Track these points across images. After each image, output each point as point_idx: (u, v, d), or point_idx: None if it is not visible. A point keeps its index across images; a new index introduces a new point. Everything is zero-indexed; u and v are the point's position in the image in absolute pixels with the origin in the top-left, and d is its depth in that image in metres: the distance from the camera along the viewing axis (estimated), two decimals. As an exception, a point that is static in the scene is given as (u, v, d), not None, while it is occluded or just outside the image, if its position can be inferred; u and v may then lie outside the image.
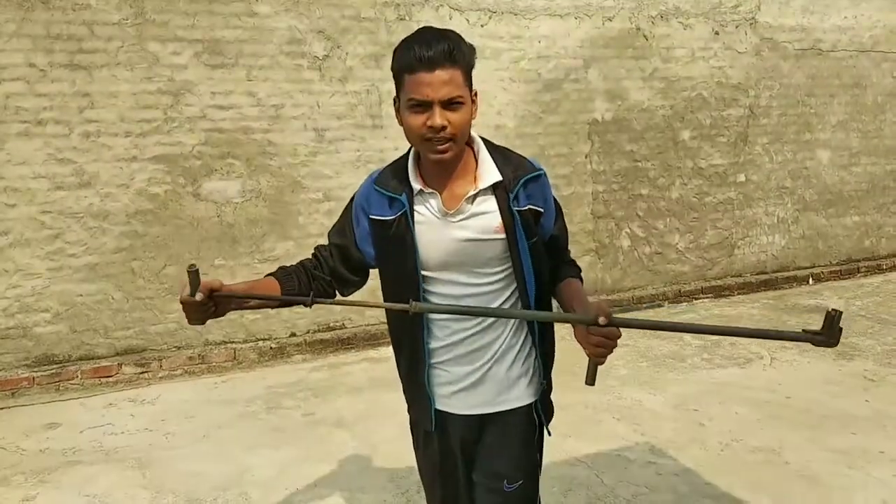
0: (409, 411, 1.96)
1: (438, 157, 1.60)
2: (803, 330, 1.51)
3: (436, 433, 1.85)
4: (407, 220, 1.69)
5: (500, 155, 1.73)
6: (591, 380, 1.59)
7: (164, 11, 4.71)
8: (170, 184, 4.86)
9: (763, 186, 6.95)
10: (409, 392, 1.90)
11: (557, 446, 3.65)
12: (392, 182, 1.72)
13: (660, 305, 6.43)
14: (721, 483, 3.27)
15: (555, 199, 1.83)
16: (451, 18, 5.46)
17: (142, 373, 4.83)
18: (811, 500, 3.13)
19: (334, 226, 1.86)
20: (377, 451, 3.68)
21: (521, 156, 1.77)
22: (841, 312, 1.45)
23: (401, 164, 1.75)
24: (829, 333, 1.47)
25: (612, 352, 1.53)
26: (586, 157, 6.16)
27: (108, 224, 4.75)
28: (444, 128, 1.55)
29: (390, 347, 1.94)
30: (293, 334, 5.29)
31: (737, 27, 6.56)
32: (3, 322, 4.62)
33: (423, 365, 1.79)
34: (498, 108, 5.74)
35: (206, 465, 3.59)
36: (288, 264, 1.85)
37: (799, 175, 7.12)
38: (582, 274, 1.92)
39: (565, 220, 1.91)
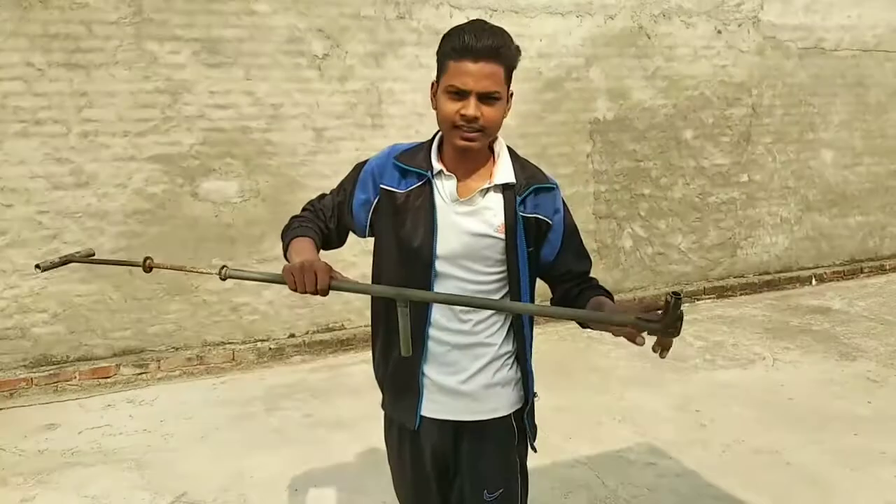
0: (385, 407, 1.92)
1: (464, 145, 1.62)
2: (637, 317, 1.37)
3: (413, 434, 1.81)
4: (430, 195, 1.69)
5: (518, 161, 1.76)
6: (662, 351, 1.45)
7: (162, 10, 4.68)
8: (168, 183, 4.84)
9: (766, 186, 6.92)
10: (394, 385, 1.84)
11: (558, 447, 3.63)
12: (414, 159, 1.73)
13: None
14: (723, 484, 3.25)
15: (569, 220, 1.81)
16: (451, 17, 5.44)
17: (140, 374, 4.81)
18: (813, 502, 3.11)
19: (337, 186, 1.86)
20: (377, 453, 3.65)
21: (539, 168, 1.79)
22: (679, 297, 1.27)
23: (424, 145, 1.77)
24: (665, 321, 1.30)
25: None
26: (588, 156, 6.13)
27: (105, 224, 4.73)
28: (475, 119, 1.58)
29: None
30: (292, 335, 5.27)
31: (739, 26, 6.52)
32: (1, 323, 4.60)
33: (419, 357, 1.73)
34: (498, 107, 5.70)
35: (204, 466, 3.57)
36: (299, 217, 1.84)
37: (802, 175, 7.08)
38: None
39: (582, 243, 1.86)
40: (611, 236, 6.30)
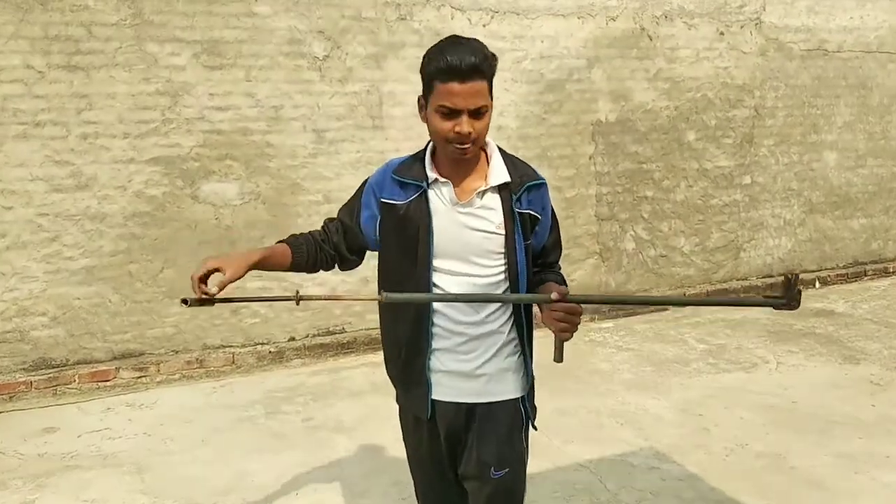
0: (398, 399, 2.07)
1: (460, 157, 1.78)
2: (764, 295, 1.61)
3: (429, 423, 1.95)
4: (426, 204, 1.84)
5: (510, 160, 1.90)
6: (559, 356, 1.74)
7: (162, 12, 4.68)
8: (168, 186, 4.82)
9: (769, 188, 6.90)
10: (403, 378, 1.98)
11: (560, 451, 3.61)
12: (410, 171, 1.88)
13: (664, 308, 6.38)
14: (726, 488, 3.24)
15: (552, 213, 1.99)
16: (452, 18, 5.43)
17: (140, 377, 4.80)
18: (819, 508, 3.09)
19: (345, 204, 2.03)
20: (377, 456, 3.65)
21: (527, 164, 1.94)
22: (797, 275, 1.56)
23: (418, 156, 1.91)
24: (788, 296, 1.55)
25: (575, 328, 1.69)
26: (590, 158, 6.11)
27: (105, 226, 4.72)
28: (469, 134, 1.71)
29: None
30: (292, 338, 5.25)
31: (742, 27, 6.51)
32: (0, 326, 4.58)
33: (425, 351, 1.89)
34: (500, 108, 5.69)
35: (204, 470, 3.56)
36: (298, 233, 2.02)
37: (805, 177, 7.06)
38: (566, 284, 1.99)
39: (561, 232, 2.06)
40: (613, 238, 6.28)
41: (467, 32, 5.48)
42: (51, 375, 4.63)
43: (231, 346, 5.09)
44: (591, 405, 4.22)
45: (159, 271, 4.86)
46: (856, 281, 7.26)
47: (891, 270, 7.48)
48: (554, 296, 1.65)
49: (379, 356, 5.46)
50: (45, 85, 4.50)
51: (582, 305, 1.71)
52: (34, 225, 4.57)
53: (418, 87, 6.02)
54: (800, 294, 1.55)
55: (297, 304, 1.75)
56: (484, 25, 5.54)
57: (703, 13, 6.34)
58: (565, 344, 1.74)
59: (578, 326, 1.71)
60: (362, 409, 4.28)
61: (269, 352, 5.13)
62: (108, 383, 4.73)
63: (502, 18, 5.60)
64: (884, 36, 7.18)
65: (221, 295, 1.70)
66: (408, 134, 5.37)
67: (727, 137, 6.62)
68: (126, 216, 4.75)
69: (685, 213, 6.56)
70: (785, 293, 1.55)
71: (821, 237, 7.22)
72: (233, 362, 5.02)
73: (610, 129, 6.14)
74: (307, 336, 5.30)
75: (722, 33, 6.44)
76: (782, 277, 1.55)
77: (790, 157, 6.95)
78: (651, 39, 6.17)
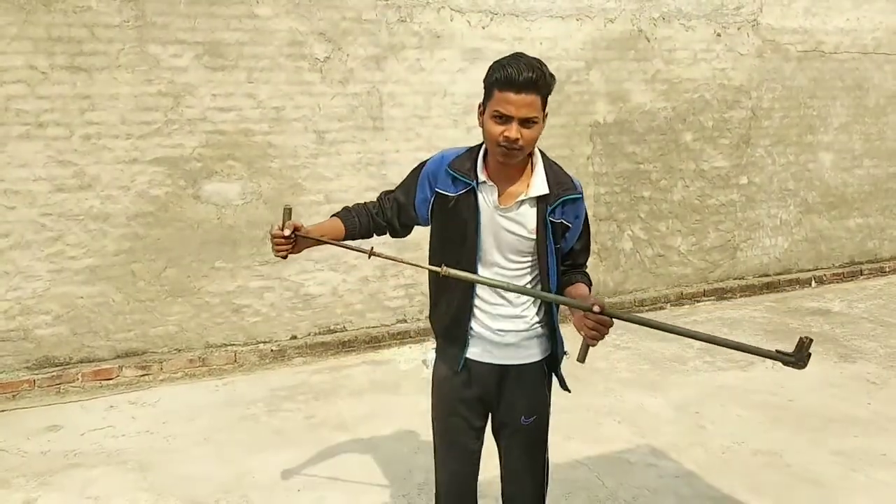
0: (437, 351, 2.31)
1: (505, 161, 1.98)
2: (777, 350, 1.73)
3: (459, 376, 2.20)
4: (474, 201, 2.07)
5: (553, 171, 2.12)
6: (582, 357, 1.91)
7: (164, 14, 4.71)
8: (170, 186, 4.86)
9: (765, 188, 6.94)
10: (445, 335, 2.23)
11: (559, 448, 3.64)
12: (463, 167, 2.09)
13: (661, 307, 6.42)
14: (722, 486, 3.27)
15: (586, 220, 2.20)
16: (452, 20, 5.46)
17: (142, 375, 4.83)
18: (813, 503, 3.12)
19: (401, 184, 2.25)
20: (378, 454, 3.68)
21: (568, 175, 2.16)
22: (811, 340, 1.69)
23: (473, 155, 2.12)
24: (798, 356, 1.69)
25: (603, 337, 1.89)
26: (588, 158, 6.15)
27: (108, 226, 4.75)
28: (517, 140, 1.90)
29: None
30: (294, 337, 5.29)
31: (739, 29, 6.55)
32: (4, 324, 4.61)
33: (468, 314, 2.14)
34: (499, 110, 5.72)
35: (206, 467, 3.59)
36: (352, 205, 2.32)
37: (801, 177, 7.10)
38: (592, 284, 2.21)
39: (591, 239, 2.27)
40: (611, 238, 6.32)
41: (467, 34, 5.55)
42: (54, 374, 4.66)
43: (233, 345, 5.13)
44: (589, 403, 4.26)
45: (162, 270, 4.89)
46: (852, 280, 7.30)
47: (887, 270, 7.52)
48: (596, 308, 1.82)
49: (379, 354, 5.52)
50: (49, 86, 4.53)
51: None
52: (38, 225, 4.60)
53: (418, 89, 6.08)
54: (809, 356, 1.69)
55: (370, 257, 1.97)
56: (483, 27, 5.58)
57: (701, 15, 6.38)
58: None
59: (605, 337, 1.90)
60: (364, 407, 4.31)
61: (271, 350, 5.16)
62: (110, 382, 4.76)
63: (501, 20, 5.64)
64: (880, 37, 7.22)
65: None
66: (407, 135, 5.41)
67: (724, 138, 6.66)
68: (129, 216, 4.78)
69: (682, 213, 6.60)
70: (795, 353, 1.69)
71: (817, 237, 7.27)
72: (235, 361, 5.05)
73: (608, 129, 6.18)
74: (309, 334, 5.34)
75: (719, 35, 6.48)
76: (798, 338, 1.70)
77: (787, 158, 6.99)
78: (649, 41, 6.21)
